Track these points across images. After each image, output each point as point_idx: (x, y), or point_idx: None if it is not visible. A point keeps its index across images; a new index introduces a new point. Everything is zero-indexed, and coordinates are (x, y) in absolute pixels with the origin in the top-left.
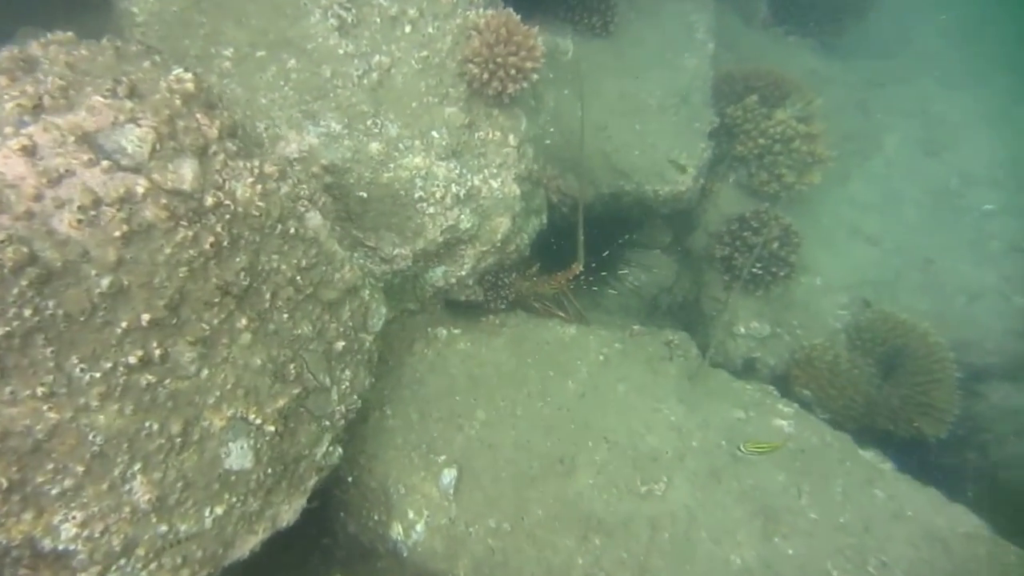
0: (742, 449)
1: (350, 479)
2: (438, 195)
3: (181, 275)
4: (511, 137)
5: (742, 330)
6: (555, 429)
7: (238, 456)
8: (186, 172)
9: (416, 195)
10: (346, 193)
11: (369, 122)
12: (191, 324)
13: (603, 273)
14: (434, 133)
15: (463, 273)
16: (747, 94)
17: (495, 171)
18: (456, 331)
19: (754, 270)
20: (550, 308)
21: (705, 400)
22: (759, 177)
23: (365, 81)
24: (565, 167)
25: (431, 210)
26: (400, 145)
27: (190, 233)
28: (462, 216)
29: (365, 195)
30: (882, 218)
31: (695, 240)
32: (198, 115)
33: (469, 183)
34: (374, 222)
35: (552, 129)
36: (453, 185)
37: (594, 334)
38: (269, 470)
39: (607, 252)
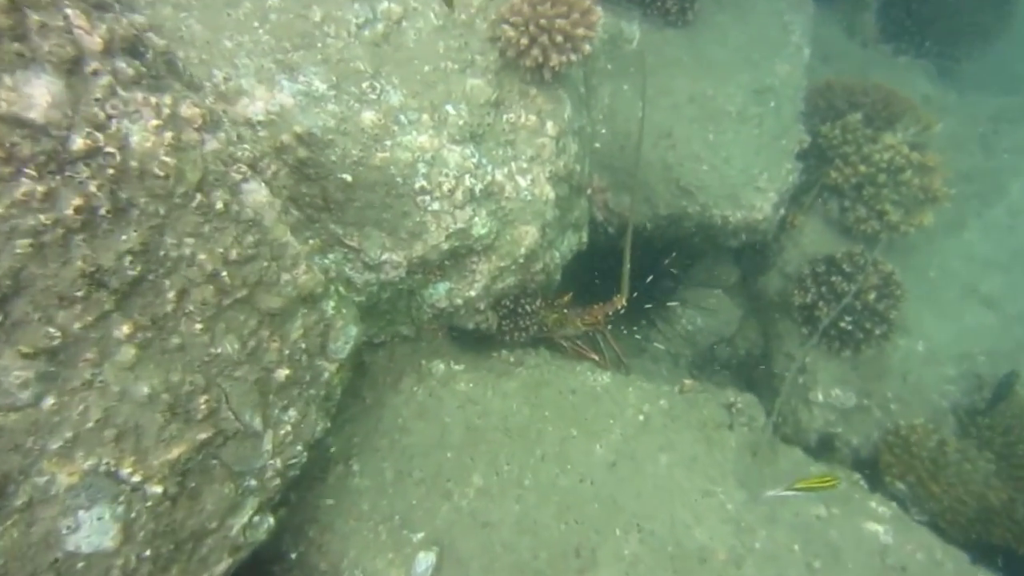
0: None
1: (294, 556)
2: (446, 187)
3: (18, 251)
4: (549, 125)
5: (820, 397)
6: (573, 508)
7: (92, 531)
8: (38, 93)
9: (417, 185)
10: (325, 174)
11: (365, 84)
12: (29, 328)
13: (651, 312)
14: (449, 108)
15: (473, 294)
16: (849, 111)
17: (525, 165)
18: (458, 367)
19: (842, 324)
20: (582, 349)
21: (774, 486)
22: (855, 212)
23: (366, 32)
24: (616, 179)
25: (436, 206)
26: (403, 118)
27: (40, 188)
28: (476, 219)
29: (350, 178)
30: (1004, 277)
31: (768, 282)
32: (69, 11)
33: (489, 177)
34: (359, 216)
35: (604, 130)
36: (468, 177)
37: (634, 386)
38: (147, 552)
39: (658, 286)
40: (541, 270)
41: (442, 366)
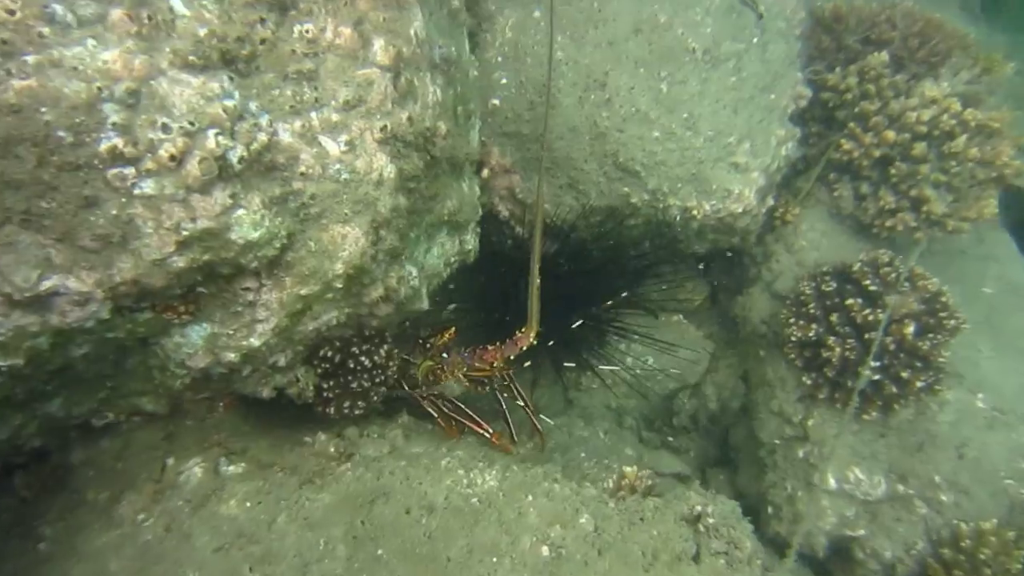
0: None
1: None
2: (167, 151)
3: None
4: (379, 46)
5: (832, 481)
6: None
7: None
8: None
9: (104, 145)
10: None
11: None
12: None
13: (578, 348)
14: (176, 3)
15: (256, 343)
16: (868, 52)
17: (336, 118)
18: (231, 469)
19: (866, 372)
20: (460, 418)
21: None
22: (879, 201)
23: None
24: (527, 154)
25: (151, 187)
26: (65, 12)
27: None
28: (240, 211)
29: None
30: None
31: (749, 304)
32: None
33: (263, 136)
34: None
35: (505, 79)
36: (215, 134)
37: (537, 491)
38: None
39: (591, 312)
40: (384, 298)
41: (200, 470)
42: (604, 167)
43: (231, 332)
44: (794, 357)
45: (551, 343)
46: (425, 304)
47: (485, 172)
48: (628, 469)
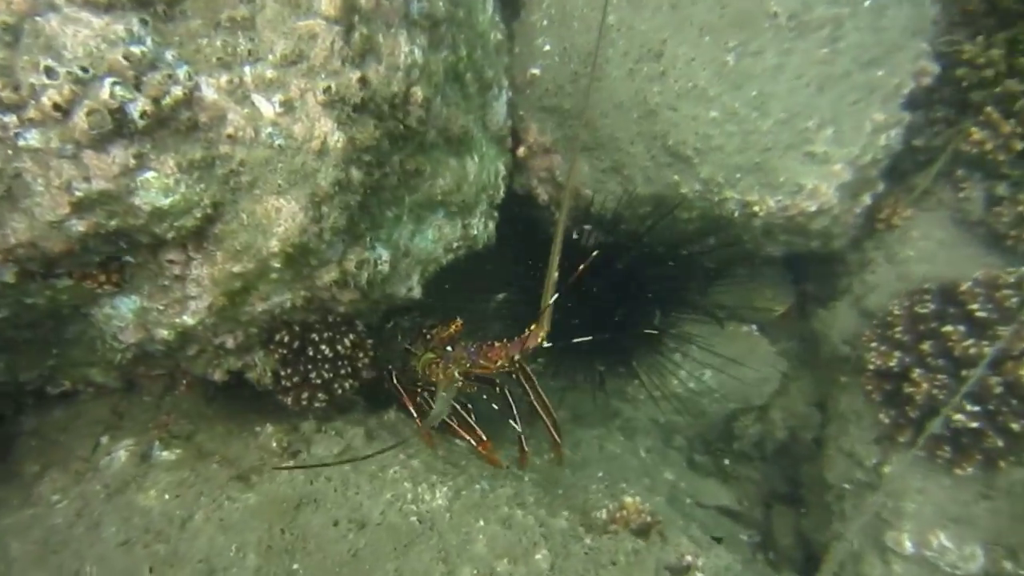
0: None
1: None
2: (50, 99)
3: None
4: None
5: (909, 546)
6: None
7: None
8: None
9: None
10: None
11: None
12: None
13: (629, 354)
14: None
15: (191, 320)
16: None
17: (272, 75)
18: (166, 454)
19: (958, 417)
20: (453, 427)
21: None
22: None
23: None
24: (570, 131)
25: (35, 139)
26: None
27: None
28: (149, 173)
29: None
30: None
31: (832, 319)
32: None
33: (179, 89)
34: None
35: (548, 47)
36: (112, 83)
37: (492, 516)
38: None
39: (642, 313)
40: (338, 282)
41: (125, 454)
42: (652, 150)
43: (161, 307)
44: (871, 389)
45: (592, 343)
46: (415, 292)
47: (521, 151)
48: (629, 499)
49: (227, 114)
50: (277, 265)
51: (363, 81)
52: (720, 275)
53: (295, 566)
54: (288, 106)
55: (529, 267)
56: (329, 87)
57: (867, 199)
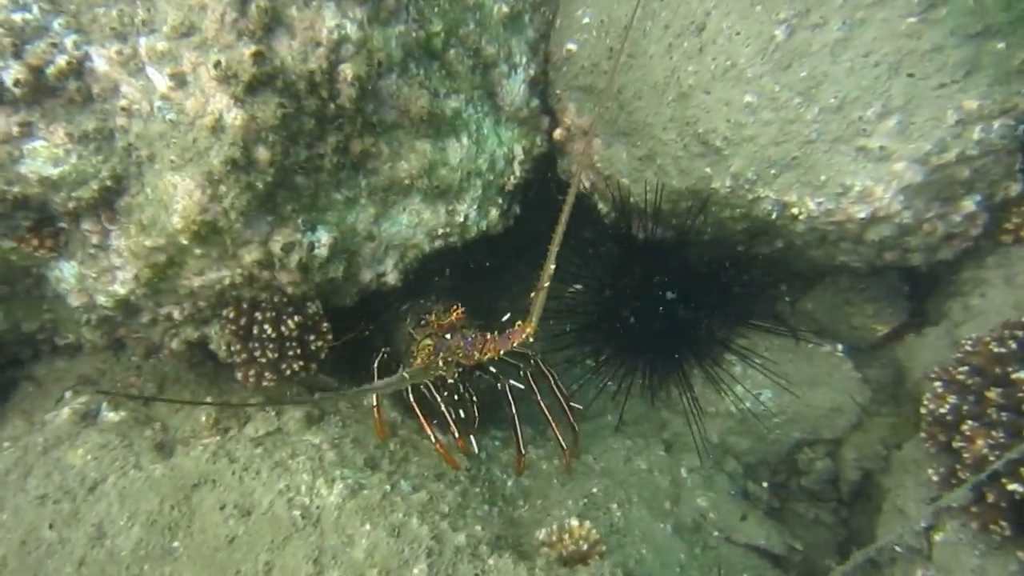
0: None
1: None
2: None
3: None
4: None
5: None
6: None
7: None
8: None
9: None
10: None
11: None
12: None
13: (684, 362)
14: None
15: (121, 290)
16: None
17: (163, 47)
18: (112, 416)
19: (1013, 486)
20: (421, 420)
21: None
22: None
23: None
24: (610, 113)
25: None
26: None
27: None
28: (36, 142)
29: None
30: None
31: (918, 349)
32: None
33: (63, 57)
34: None
35: (587, 19)
36: None
37: (385, 522)
38: None
39: (701, 320)
40: (261, 263)
41: (68, 411)
42: (684, 138)
43: (95, 275)
44: (926, 437)
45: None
46: (389, 278)
47: (558, 133)
48: (575, 523)
49: (120, 86)
50: (185, 242)
51: (258, 56)
52: (812, 283)
53: (175, 544)
54: (180, 80)
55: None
56: (219, 61)
57: (970, 205)
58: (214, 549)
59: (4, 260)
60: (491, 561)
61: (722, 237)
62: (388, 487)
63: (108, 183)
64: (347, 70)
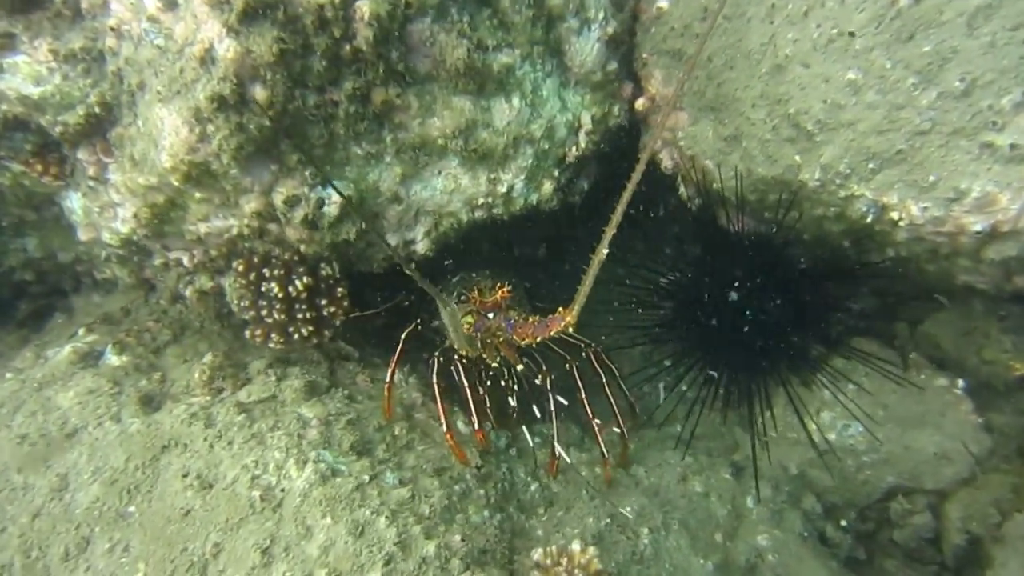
0: None
1: None
2: None
3: None
4: None
5: None
6: None
7: None
8: None
9: None
10: None
11: None
12: None
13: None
14: None
15: (122, 228)
16: None
17: None
18: (115, 359)
19: None
20: (437, 402)
21: None
22: None
23: None
24: (691, 82)
25: None
26: None
27: None
28: (20, 57)
29: None
30: None
31: None
32: None
33: None
34: None
35: None
36: None
37: (349, 517)
38: None
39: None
40: (260, 214)
41: (69, 350)
42: (774, 118)
43: (99, 209)
44: None
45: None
46: (418, 246)
47: (641, 103)
48: (577, 548)
49: (110, 2)
50: (176, 183)
51: None
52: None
53: (131, 508)
54: (169, 1)
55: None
56: None
57: None
58: (167, 520)
59: (19, 185)
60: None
61: (823, 239)
62: (367, 477)
63: (96, 110)
64: (364, 8)
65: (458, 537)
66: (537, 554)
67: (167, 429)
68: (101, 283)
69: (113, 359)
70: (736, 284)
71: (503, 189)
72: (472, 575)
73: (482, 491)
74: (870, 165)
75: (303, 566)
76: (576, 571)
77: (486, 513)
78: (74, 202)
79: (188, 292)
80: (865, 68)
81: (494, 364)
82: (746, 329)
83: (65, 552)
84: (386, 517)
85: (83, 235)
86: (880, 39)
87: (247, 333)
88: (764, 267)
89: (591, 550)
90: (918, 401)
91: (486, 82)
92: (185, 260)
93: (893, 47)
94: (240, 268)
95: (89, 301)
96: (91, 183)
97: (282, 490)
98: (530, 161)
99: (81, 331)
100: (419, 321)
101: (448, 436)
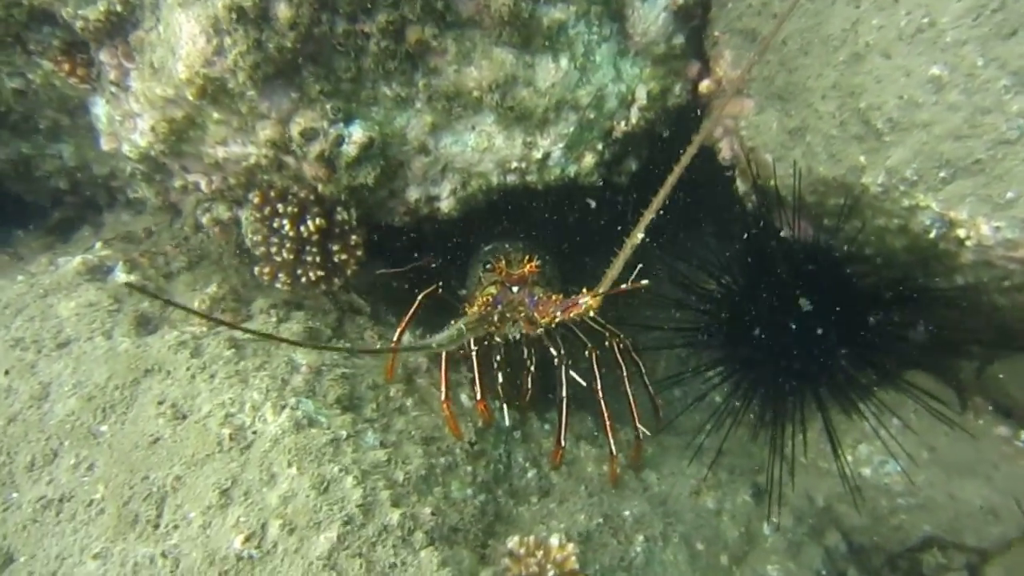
0: None
1: None
2: None
3: None
4: None
5: None
6: None
7: None
8: None
9: None
10: None
11: None
12: None
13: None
14: None
15: (140, 141)
16: None
17: None
18: (123, 276)
19: None
20: (440, 369)
21: None
22: None
23: None
24: (762, 67)
25: None
26: None
27: None
28: None
29: None
30: None
31: None
32: None
33: None
34: None
35: None
36: None
37: (316, 472)
38: None
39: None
40: (275, 143)
41: (78, 261)
42: (843, 112)
43: (120, 119)
44: None
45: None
46: (443, 204)
47: (705, 85)
48: (554, 542)
49: None
50: (192, 97)
51: None
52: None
53: (103, 428)
54: None
55: None
56: None
57: None
58: (134, 445)
59: (50, 85)
60: (422, 554)
61: (887, 256)
62: (345, 433)
63: (118, 7)
64: None
65: (428, 510)
66: (512, 542)
67: (153, 353)
68: (133, 202)
69: (122, 276)
70: (788, 296)
71: (538, 155)
72: (435, 551)
73: (470, 468)
74: (941, 173)
75: (259, 513)
76: (549, 566)
77: (469, 491)
78: (99, 108)
79: (205, 220)
80: (953, 64)
81: (511, 338)
82: (792, 345)
83: (31, 461)
84: (355, 477)
85: (105, 144)
86: (976, 33)
87: (255, 270)
88: (820, 281)
89: (570, 547)
90: (970, 448)
91: (533, 36)
92: (203, 184)
93: (989, 43)
94: (256, 200)
95: (118, 219)
96: (113, 89)
97: (254, 432)
98: (572, 129)
99: (98, 245)
100: (441, 284)
101: (445, 405)
